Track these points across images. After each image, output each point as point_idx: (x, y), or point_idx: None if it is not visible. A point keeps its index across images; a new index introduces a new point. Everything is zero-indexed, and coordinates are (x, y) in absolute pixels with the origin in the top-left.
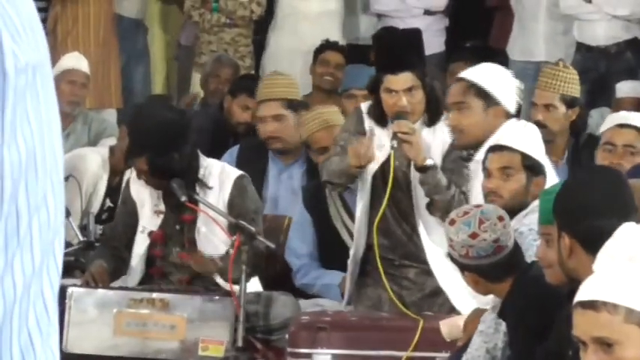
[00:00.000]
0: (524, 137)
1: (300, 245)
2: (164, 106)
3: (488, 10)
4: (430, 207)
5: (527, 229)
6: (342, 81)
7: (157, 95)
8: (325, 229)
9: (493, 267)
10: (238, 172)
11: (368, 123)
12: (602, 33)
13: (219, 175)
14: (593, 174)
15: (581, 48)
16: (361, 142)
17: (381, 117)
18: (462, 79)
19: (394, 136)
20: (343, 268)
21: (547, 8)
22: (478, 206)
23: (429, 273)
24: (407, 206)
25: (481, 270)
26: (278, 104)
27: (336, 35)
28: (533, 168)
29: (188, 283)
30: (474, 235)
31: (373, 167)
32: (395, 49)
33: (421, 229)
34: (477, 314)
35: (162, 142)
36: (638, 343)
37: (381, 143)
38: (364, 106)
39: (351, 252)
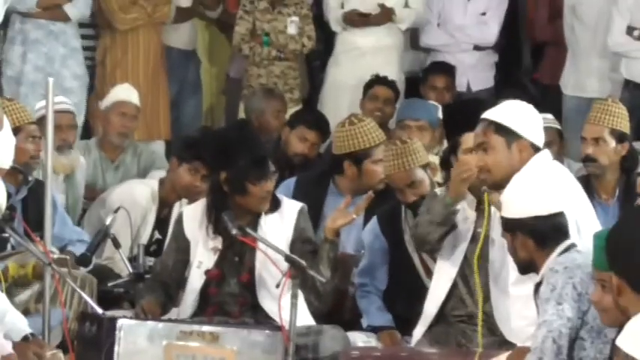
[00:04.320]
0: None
1: (369, 265)
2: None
3: (537, 46)
4: None
5: (562, 268)
6: (397, 112)
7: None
8: (398, 253)
9: None
10: (300, 203)
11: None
12: None
13: (280, 207)
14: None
15: (629, 85)
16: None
17: None
18: (481, 120)
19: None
20: (410, 299)
21: (601, 45)
22: None
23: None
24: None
25: None
26: None
27: (394, 69)
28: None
29: (241, 313)
30: None
31: (463, 244)
32: (465, 111)
33: (495, 307)
34: (519, 352)
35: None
36: None
37: (465, 216)
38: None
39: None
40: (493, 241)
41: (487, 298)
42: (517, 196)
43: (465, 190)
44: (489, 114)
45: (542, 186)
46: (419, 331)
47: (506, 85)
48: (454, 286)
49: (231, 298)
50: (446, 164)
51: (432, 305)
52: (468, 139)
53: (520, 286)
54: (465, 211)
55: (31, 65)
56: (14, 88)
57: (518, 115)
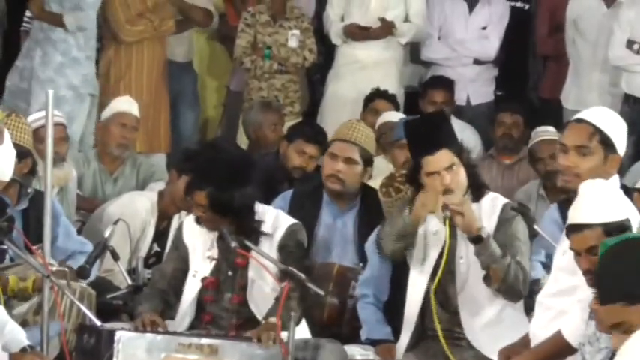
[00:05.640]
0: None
1: (372, 276)
2: (232, 145)
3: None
4: (487, 279)
5: None
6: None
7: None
8: (400, 265)
9: None
10: (292, 221)
11: None
12: None
13: (273, 223)
14: None
15: (630, 99)
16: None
17: None
18: (585, 122)
19: (445, 208)
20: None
21: (602, 59)
22: None
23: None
24: (452, 293)
25: None
26: (355, 149)
27: (393, 83)
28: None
29: (238, 327)
30: None
31: (433, 255)
32: (424, 132)
33: (463, 318)
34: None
35: (224, 177)
36: None
37: (436, 230)
38: None
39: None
40: (462, 258)
41: (456, 312)
42: (602, 202)
43: (425, 215)
44: (595, 119)
45: (616, 194)
46: (403, 340)
47: (508, 99)
48: (427, 297)
49: (227, 313)
50: (411, 180)
51: (410, 316)
52: (429, 163)
53: (557, 299)
54: (437, 225)
55: (30, 64)
56: (17, 82)
57: (619, 129)
